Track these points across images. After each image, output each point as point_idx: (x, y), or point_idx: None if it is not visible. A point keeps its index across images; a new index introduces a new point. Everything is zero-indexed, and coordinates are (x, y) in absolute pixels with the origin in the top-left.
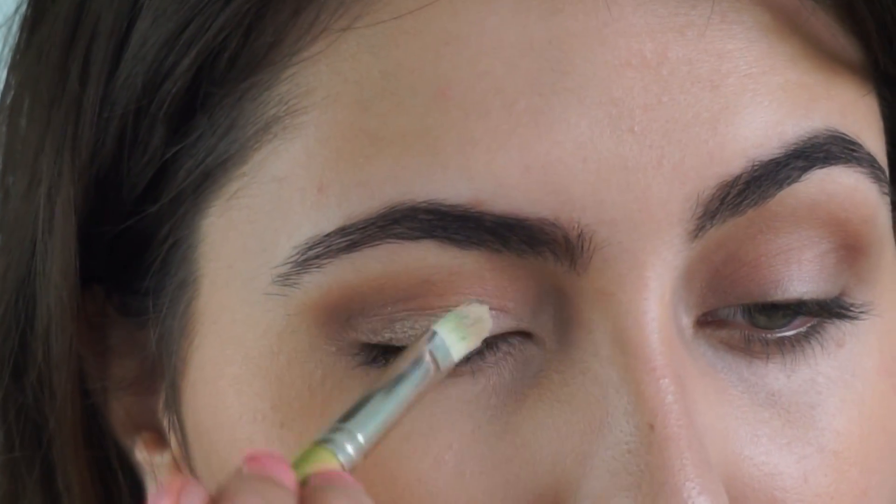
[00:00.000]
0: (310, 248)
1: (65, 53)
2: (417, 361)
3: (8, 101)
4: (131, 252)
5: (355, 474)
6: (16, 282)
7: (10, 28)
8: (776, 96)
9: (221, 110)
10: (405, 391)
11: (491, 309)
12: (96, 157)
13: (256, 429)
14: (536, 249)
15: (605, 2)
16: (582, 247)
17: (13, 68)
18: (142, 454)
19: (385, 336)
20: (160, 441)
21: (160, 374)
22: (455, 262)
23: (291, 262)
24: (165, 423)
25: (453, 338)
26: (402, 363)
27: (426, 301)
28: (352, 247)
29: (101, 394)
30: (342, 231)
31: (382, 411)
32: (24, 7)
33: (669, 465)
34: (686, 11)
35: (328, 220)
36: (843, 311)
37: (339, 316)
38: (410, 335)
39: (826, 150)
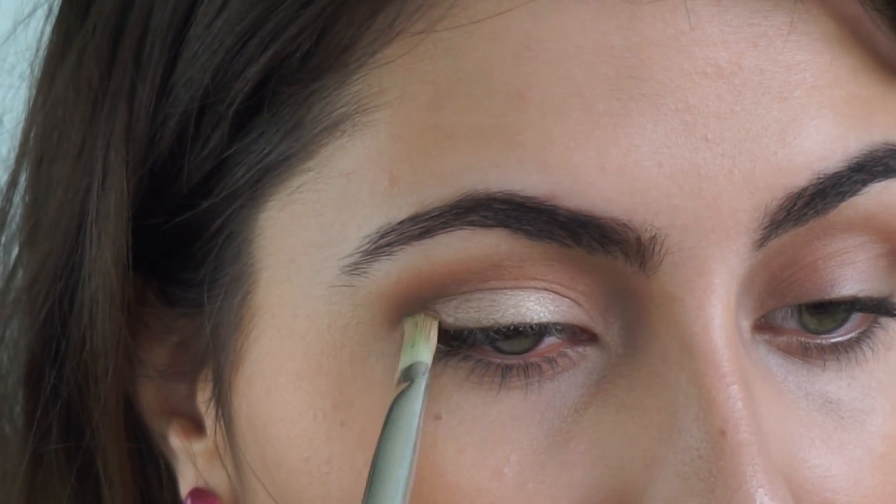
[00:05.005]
0: (381, 237)
1: (111, 51)
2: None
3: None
4: (179, 243)
5: (415, 485)
6: (56, 269)
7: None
8: (840, 109)
9: (287, 108)
10: (395, 437)
11: (562, 297)
12: (151, 152)
13: (317, 427)
14: (607, 248)
15: (685, 10)
16: (653, 250)
17: (47, 68)
18: (176, 441)
19: (460, 316)
20: (195, 428)
21: (201, 363)
22: (525, 251)
23: (361, 252)
24: (204, 410)
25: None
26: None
27: (498, 283)
28: (424, 234)
29: (129, 379)
30: (415, 218)
31: (389, 477)
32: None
33: (742, 471)
34: (759, 21)
35: (400, 209)
36: (894, 311)
37: (408, 305)
38: (482, 317)
39: (885, 163)
